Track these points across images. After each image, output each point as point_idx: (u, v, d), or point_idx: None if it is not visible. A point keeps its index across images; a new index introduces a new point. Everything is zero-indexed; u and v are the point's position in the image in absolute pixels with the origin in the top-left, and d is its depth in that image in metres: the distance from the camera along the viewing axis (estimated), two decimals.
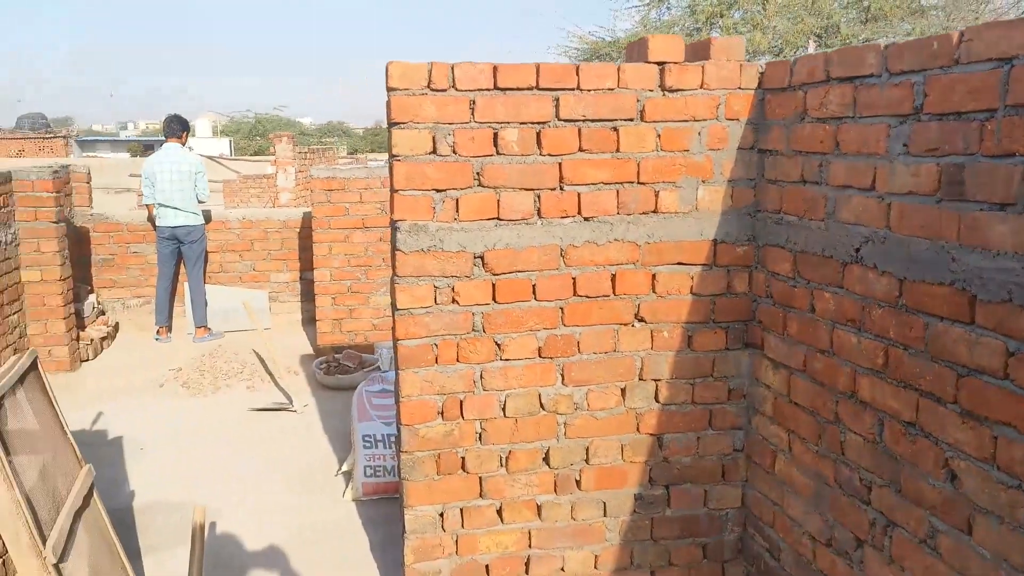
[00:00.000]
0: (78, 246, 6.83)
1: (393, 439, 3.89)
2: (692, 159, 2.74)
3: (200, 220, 6.73)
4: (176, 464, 4.31)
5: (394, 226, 2.64)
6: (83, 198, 7.08)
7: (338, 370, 5.62)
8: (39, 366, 2.92)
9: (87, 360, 6.19)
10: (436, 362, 2.70)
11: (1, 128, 37.69)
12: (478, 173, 2.62)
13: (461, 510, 2.80)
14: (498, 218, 2.66)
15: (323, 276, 6.20)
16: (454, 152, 2.60)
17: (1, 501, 2.31)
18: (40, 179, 5.83)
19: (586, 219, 2.71)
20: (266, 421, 4.96)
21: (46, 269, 5.89)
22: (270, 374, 5.74)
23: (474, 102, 2.58)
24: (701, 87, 2.71)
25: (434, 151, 2.59)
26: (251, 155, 30.26)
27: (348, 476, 4.07)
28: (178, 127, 6.76)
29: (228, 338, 6.75)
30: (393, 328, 2.73)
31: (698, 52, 2.77)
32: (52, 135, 32.59)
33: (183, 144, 6.80)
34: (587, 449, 2.84)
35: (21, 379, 2.77)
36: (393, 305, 2.71)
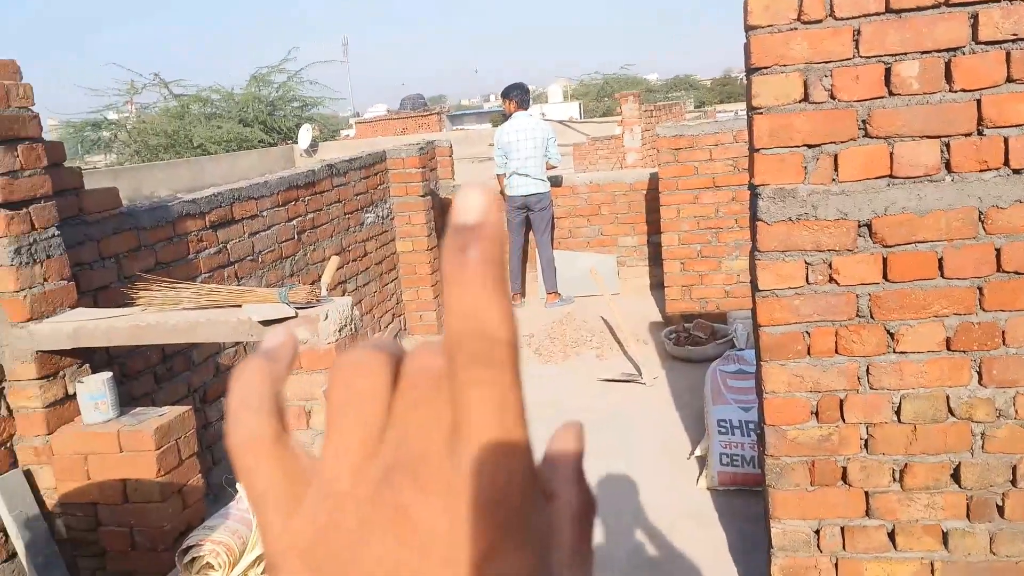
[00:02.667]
0: (443, 216, 7.28)
1: (751, 426, 3.49)
2: None
3: (548, 187, 6.78)
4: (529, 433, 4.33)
5: (754, 192, 2.23)
6: (446, 171, 7.52)
7: (688, 341, 5.30)
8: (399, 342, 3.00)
9: None
10: (808, 353, 2.26)
11: (389, 110, 42.79)
12: (864, 121, 2.11)
13: (842, 529, 2.35)
14: (891, 176, 2.12)
15: (671, 240, 5.90)
16: (832, 97, 2.11)
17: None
18: (409, 156, 6.25)
19: (1016, 172, 2.06)
20: (615, 392, 4.82)
21: (416, 239, 6.34)
22: (619, 343, 5.61)
23: (858, 32, 2.06)
24: None
25: (805, 98, 2.12)
26: (600, 116, 30.87)
27: (702, 461, 3.76)
28: (528, 97, 6.86)
29: (578, 304, 6.76)
30: (753, 311, 2.33)
31: None
32: (428, 113, 36.23)
33: (529, 112, 6.89)
34: (1014, 468, 2.21)
35: None
36: (753, 285, 2.31)
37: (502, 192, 6.97)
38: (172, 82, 17.31)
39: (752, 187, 2.24)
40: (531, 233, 7.01)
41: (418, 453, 0.25)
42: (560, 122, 24.26)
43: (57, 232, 2.80)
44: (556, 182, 7.07)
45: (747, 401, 3.56)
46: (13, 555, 2.72)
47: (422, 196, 6.26)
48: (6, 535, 2.70)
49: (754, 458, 3.45)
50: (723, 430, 3.54)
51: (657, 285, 6.99)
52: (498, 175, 6.96)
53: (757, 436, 2.49)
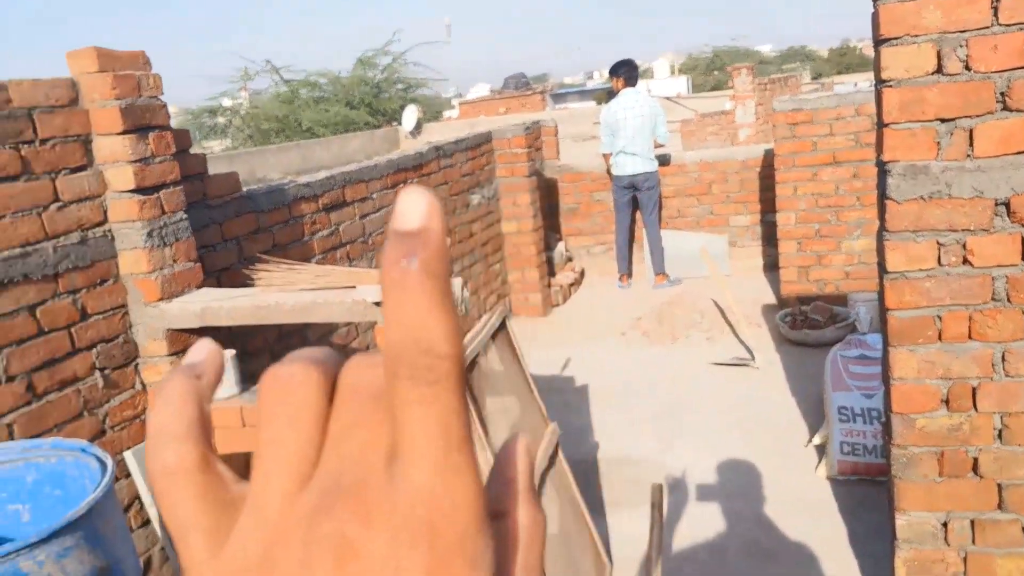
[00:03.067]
0: (547, 196, 7.31)
1: (874, 414, 3.38)
2: None
3: (655, 166, 6.69)
4: (638, 417, 4.32)
5: (882, 168, 2.15)
6: (551, 150, 7.53)
7: (805, 324, 5.16)
8: (507, 324, 3.04)
9: (557, 305, 6.62)
10: (939, 338, 2.17)
11: (491, 90, 43.03)
12: (1002, 94, 2.00)
13: (972, 522, 2.25)
14: None
15: (787, 219, 5.73)
16: (967, 68, 2.00)
17: (480, 466, 2.42)
18: (514, 136, 6.29)
19: None
20: (727, 376, 4.75)
21: (521, 220, 6.39)
22: (730, 325, 5.51)
23: None
24: None
25: (939, 70, 2.03)
26: (709, 91, 30.11)
27: (820, 449, 3.66)
28: (635, 73, 6.77)
29: (686, 285, 6.67)
30: (881, 294, 2.25)
31: None
32: (531, 92, 36.24)
33: (636, 88, 6.79)
34: None
35: (492, 337, 2.91)
36: (881, 267, 2.23)
37: (608, 171, 6.92)
38: (282, 68, 17.94)
39: (881, 164, 2.16)
40: (638, 213, 6.94)
41: (357, 478, 0.24)
42: (667, 98, 23.83)
43: (185, 216, 2.97)
44: (664, 161, 6.97)
45: (870, 388, 3.44)
46: (147, 522, 2.93)
47: (527, 176, 6.30)
48: (141, 503, 2.90)
49: (876, 447, 3.34)
50: (844, 417, 3.43)
51: (771, 266, 6.82)
52: (604, 154, 6.91)
53: (883, 425, 2.41)
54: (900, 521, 2.31)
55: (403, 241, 0.24)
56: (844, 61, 41.36)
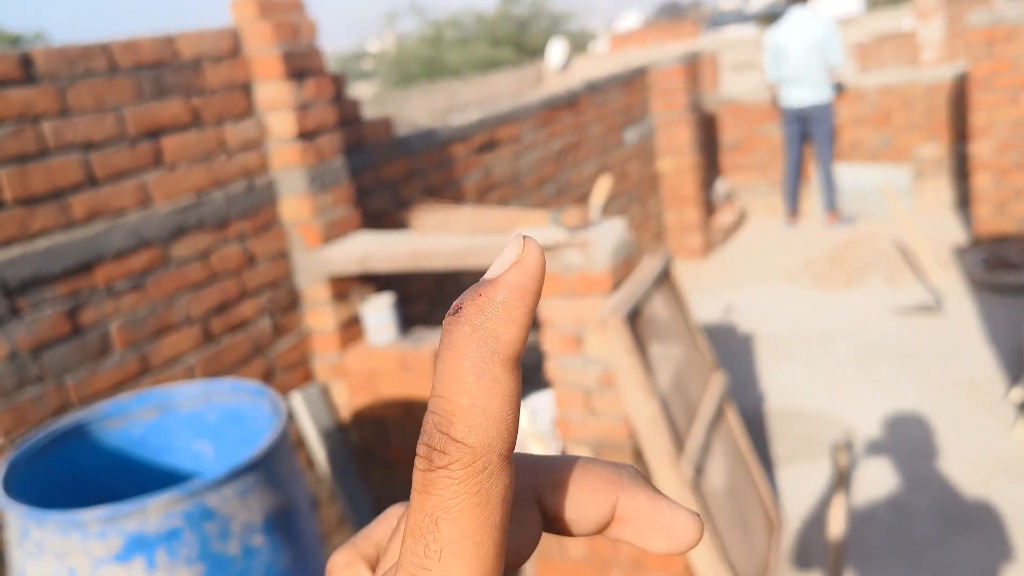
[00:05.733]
0: (706, 131, 7.06)
1: None
2: None
3: (829, 96, 6.29)
4: (809, 367, 4.16)
5: None
6: (709, 82, 7.25)
7: (1002, 265, 4.76)
8: (670, 268, 2.97)
9: (717, 247, 6.43)
10: None
11: (646, 19, 41.91)
12: None
13: None
14: None
15: (982, 149, 5.27)
16: None
17: (643, 412, 2.39)
18: (671, 68, 6.09)
19: None
20: (909, 324, 4.47)
21: (679, 157, 6.21)
22: (913, 269, 5.16)
23: None
24: None
25: None
26: (884, 8, 28.04)
27: (1021, 408, 3.40)
28: None
29: (862, 224, 6.31)
30: None
31: None
32: (684, 20, 35.08)
33: (808, 5, 6.37)
34: None
35: (657, 283, 2.85)
36: None
37: (775, 102, 6.59)
38: (426, 8, 18.17)
39: None
40: (808, 147, 6.59)
41: None
42: (838, 20, 22.40)
43: (343, 161, 3.06)
44: (839, 89, 6.55)
45: None
46: (311, 463, 3.10)
47: (685, 110, 6.09)
48: (304, 444, 3.08)
49: None
50: None
51: (961, 202, 6.33)
52: (770, 84, 6.57)
53: None
54: None
55: (474, 288, 0.22)
56: None
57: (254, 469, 1.60)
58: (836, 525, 2.29)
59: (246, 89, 2.78)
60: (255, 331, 2.83)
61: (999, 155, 5.23)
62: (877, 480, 3.13)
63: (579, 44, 20.54)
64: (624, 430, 2.70)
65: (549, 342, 2.76)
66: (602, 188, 2.95)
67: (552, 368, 2.78)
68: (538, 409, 2.93)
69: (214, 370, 2.62)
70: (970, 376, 3.79)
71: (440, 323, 3.90)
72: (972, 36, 5.15)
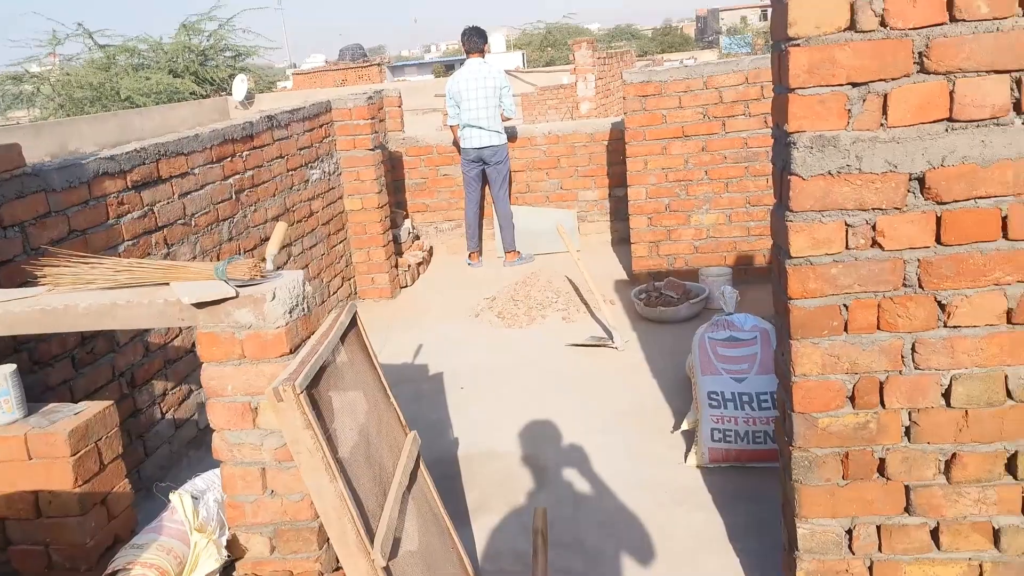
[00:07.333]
0: (392, 171, 6.79)
1: (745, 398, 3.18)
2: None
3: (504, 139, 6.33)
4: (497, 404, 3.97)
5: (786, 140, 1.85)
6: (395, 122, 7.00)
7: (659, 301, 4.97)
8: (358, 321, 2.57)
9: (405, 286, 6.15)
10: (845, 329, 1.92)
11: (327, 61, 41.33)
12: (920, 54, 1.74)
13: (878, 528, 2.04)
14: (950, 119, 1.77)
15: (638, 194, 5.53)
16: (883, 25, 1.73)
17: (326, 495, 1.96)
18: (356, 106, 5.73)
19: None
20: (586, 357, 4.48)
21: (366, 197, 5.84)
22: (586, 304, 5.25)
23: None
24: None
25: (851, 26, 1.74)
26: (543, 66, 30.21)
27: (689, 436, 3.44)
28: (479, 40, 6.33)
29: (539, 262, 6.38)
30: (780, 281, 1.98)
31: None
32: (369, 63, 34.99)
33: (484, 58, 6.38)
34: None
35: (343, 338, 2.43)
36: (781, 251, 1.95)
37: (456, 144, 6.50)
38: (96, 32, 16.22)
39: (782, 135, 1.86)
40: (487, 188, 6.57)
41: None
42: (506, 72, 23.57)
43: None
44: (512, 134, 6.63)
45: (740, 371, 3.24)
46: None
47: (371, 150, 5.76)
48: None
49: (748, 433, 3.15)
50: (714, 403, 3.22)
51: (619, 241, 6.65)
52: (451, 126, 6.47)
53: (781, 426, 2.15)
54: (802, 530, 2.06)
55: None
56: (667, 40, 42.70)
57: None
58: None
59: None
60: None
61: (652, 200, 5.51)
62: (565, 527, 2.96)
63: (265, 80, 19.57)
64: (309, 510, 2.25)
65: (216, 415, 2.23)
66: (278, 235, 2.48)
67: (220, 445, 2.25)
68: (201, 494, 2.36)
69: None
70: (643, 407, 3.81)
71: (91, 390, 3.15)
72: (629, 91, 5.39)
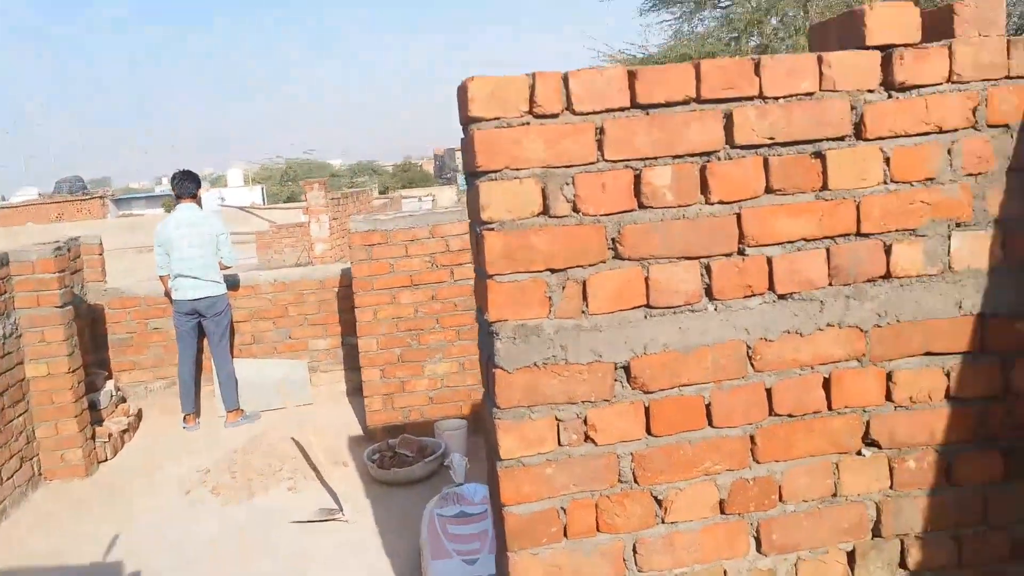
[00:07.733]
0: (92, 326, 5.99)
1: None
2: (939, 193, 1.74)
3: (223, 289, 5.82)
4: None
5: (488, 331, 1.67)
6: (96, 272, 6.24)
7: (394, 462, 4.65)
8: None
9: (105, 460, 5.29)
10: (565, 535, 1.71)
11: (40, 193, 37.75)
12: (614, 240, 1.65)
13: None
14: (648, 306, 1.68)
15: (369, 345, 5.25)
16: (575, 210, 1.63)
17: None
18: (41, 258, 4.98)
19: (781, 297, 1.72)
20: (314, 536, 3.99)
21: (53, 361, 5.01)
22: (314, 469, 4.78)
23: (602, 130, 1.62)
24: (949, 80, 1.72)
25: (545, 211, 1.63)
26: (284, 202, 29.76)
27: None
28: (192, 185, 5.85)
29: (266, 419, 5.82)
30: (495, 487, 1.75)
31: (932, 26, 1.78)
32: (89, 196, 32.35)
33: (199, 203, 5.92)
34: None
35: None
36: (492, 452, 1.73)
37: (167, 295, 5.88)
38: None
39: (485, 325, 1.68)
40: (206, 341, 5.96)
41: None
42: (241, 208, 22.86)
43: None
44: (233, 283, 6.14)
45: (471, 552, 2.97)
46: None
47: (60, 307, 5.00)
48: None
49: None
50: None
51: (355, 390, 6.29)
52: (161, 276, 5.86)
53: None
54: None
55: None
56: (407, 176, 44.16)
57: None
58: None
59: None
60: None
61: (383, 351, 5.26)
62: None
63: None
64: None
65: None
66: None
67: None
68: None
69: None
70: None
71: None
72: (355, 240, 5.19)
